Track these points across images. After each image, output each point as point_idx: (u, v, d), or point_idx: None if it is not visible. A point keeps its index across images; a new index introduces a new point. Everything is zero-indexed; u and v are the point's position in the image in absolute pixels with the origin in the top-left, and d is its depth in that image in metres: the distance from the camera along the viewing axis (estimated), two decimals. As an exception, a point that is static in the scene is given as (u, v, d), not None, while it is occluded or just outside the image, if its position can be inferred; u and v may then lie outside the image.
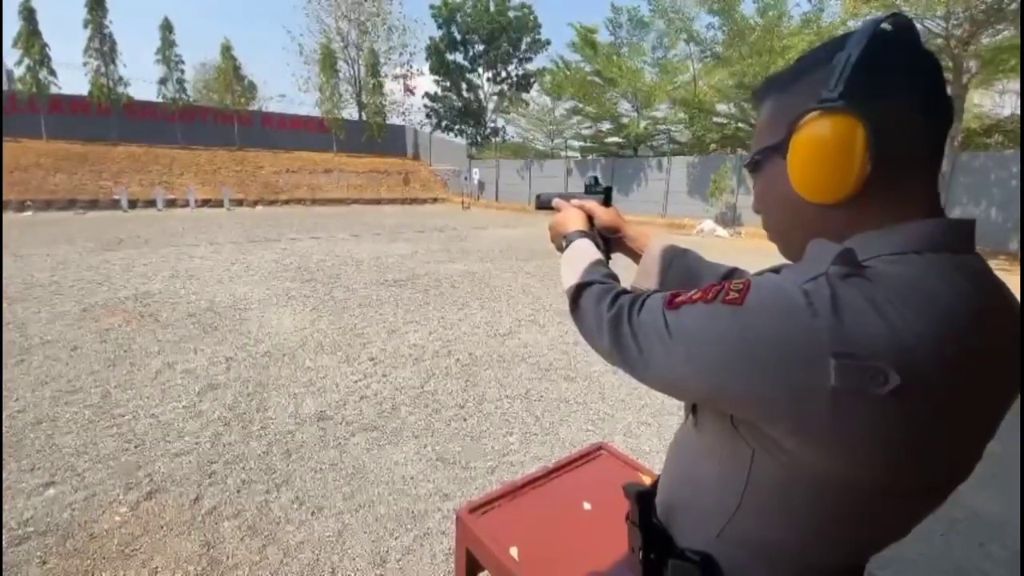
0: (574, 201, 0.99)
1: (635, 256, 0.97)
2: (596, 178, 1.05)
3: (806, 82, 0.57)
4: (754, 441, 0.55)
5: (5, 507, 2.14)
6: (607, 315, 0.66)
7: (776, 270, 0.56)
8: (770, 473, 0.55)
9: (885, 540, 0.60)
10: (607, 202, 0.99)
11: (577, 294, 0.74)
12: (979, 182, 12.05)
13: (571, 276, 0.78)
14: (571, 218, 0.94)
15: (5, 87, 22.86)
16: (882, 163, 0.52)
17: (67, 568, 1.84)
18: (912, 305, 0.45)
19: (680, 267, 0.89)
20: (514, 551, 1.02)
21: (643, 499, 0.72)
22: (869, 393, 0.44)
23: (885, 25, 0.53)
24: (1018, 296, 1.72)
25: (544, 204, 1.06)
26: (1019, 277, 1.86)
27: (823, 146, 0.52)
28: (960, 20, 10.17)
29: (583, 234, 0.89)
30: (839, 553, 0.58)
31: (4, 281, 6.07)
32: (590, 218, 0.96)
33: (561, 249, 0.90)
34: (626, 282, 0.80)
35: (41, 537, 1.98)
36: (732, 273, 0.86)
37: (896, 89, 0.53)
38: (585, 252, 0.83)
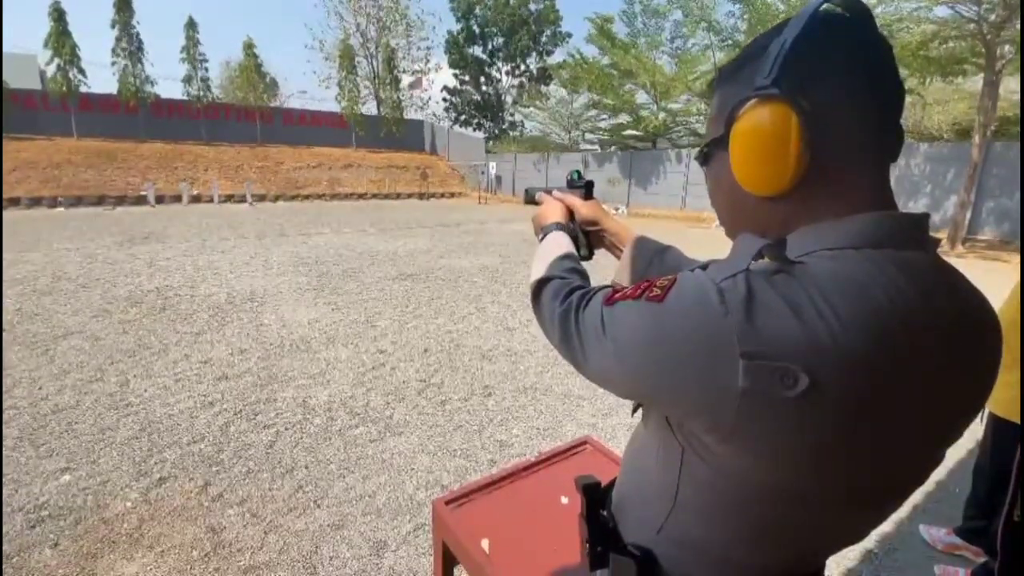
0: (555, 194, 0.99)
1: (615, 251, 0.95)
2: (579, 172, 1.03)
3: (748, 70, 0.54)
4: (683, 439, 0.54)
5: (22, 491, 2.24)
6: (558, 310, 0.65)
7: (705, 266, 0.54)
8: (699, 472, 0.53)
9: (833, 546, 0.56)
10: (588, 196, 0.98)
11: (538, 289, 0.73)
12: (1013, 172, 11.53)
13: (536, 271, 0.77)
14: (550, 211, 0.93)
15: (37, 87, 23.65)
16: (822, 153, 0.49)
17: (77, 550, 1.91)
18: (834, 303, 0.42)
19: (659, 265, 0.87)
20: (486, 543, 1.03)
21: (590, 492, 0.71)
22: (778, 395, 0.42)
23: (831, 6, 0.50)
24: (1019, 294, 1.62)
25: (530, 198, 1.06)
26: (1020, 274, 1.80)
27: (758, 136, 0.50)
28: (993, 4, 9.74)
29: (559, 226, 0.89)
30: (782, 557, 0.55)
31: (35, 274, 6.31)
32: (571, 212, 0.95)
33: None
34: (602, 277, 0.79)
35: (55, 520, 2.07)
36: None
37: (834, 74, 0.50)
38: (555, 246, 0.82)
